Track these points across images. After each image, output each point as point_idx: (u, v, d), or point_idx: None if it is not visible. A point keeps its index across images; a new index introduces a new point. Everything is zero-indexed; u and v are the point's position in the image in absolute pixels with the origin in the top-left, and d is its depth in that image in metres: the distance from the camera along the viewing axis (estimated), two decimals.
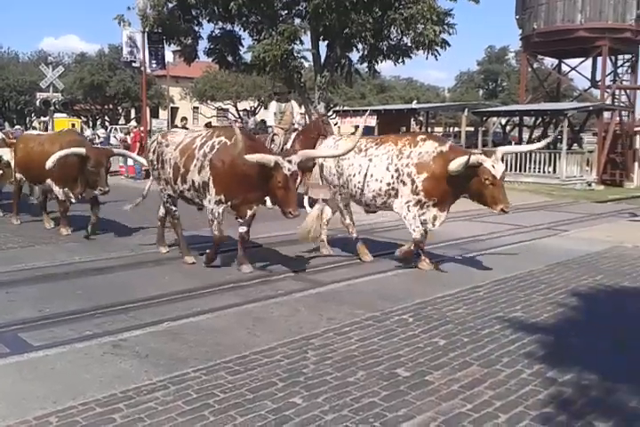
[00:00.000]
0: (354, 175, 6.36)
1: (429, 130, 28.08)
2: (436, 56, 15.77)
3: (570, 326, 4.41)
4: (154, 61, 20.40)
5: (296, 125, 11.02)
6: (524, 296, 5.19)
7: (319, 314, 4.67)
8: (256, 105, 43.93)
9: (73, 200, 7.97)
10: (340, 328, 4.31)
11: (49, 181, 7.98)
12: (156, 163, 6.58)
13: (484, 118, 23.38)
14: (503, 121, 25.28)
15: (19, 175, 8.93)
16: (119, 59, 32.24)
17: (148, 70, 21.77)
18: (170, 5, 16.66)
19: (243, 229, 6.07)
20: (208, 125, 17.54)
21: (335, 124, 27.15)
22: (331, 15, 14.76)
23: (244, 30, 16.68)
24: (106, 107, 46.28)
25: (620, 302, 5.10)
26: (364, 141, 6.44)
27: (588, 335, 4.20)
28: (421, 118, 24.47)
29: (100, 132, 35.74)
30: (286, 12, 16.28)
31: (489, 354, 3.82)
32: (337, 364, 3.64)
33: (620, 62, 27.13)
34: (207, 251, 6.29)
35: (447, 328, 4.32)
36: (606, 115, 23.34)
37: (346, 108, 29.97)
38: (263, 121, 18.67)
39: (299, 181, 5.60)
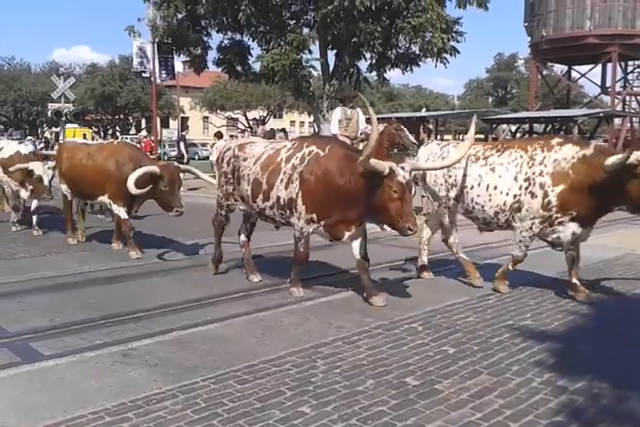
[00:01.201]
0: (471, 187, 5.53)
1: (439, 137, 28.06)
2: (445, 64, 15.83)
3: (580, 333, 4.38)
4: (164, 72, 20.64)
5: (363, 135, 9.77)
6: (534, 304, 5.16)
7: (328, 322, 4.67)
8: (265, 114, 44.20)
9: (126, 216, 7.37)
10: (350, 337, 4.30)
11: (104, 198, 7.40)
12: (230, 177, 5.93)
13: (494, 126, 23.37)
14: (513, 128, 25.24)
15: (64, 187, 8.17)
16: (130, 69, 32.62)
17: (158, 80, 22.01)
18: (179, 16, 16.87)
19: (357, 254, 5.33)
20: (218, 135, 17.65)
21: None
22: (339, 24, 14.87)
23: (253, 40, 16.86)
24: (117, 117, 46.73)
25: (631, 309, 5.05)
26: (481, 148, 5.67)
27: (598, 343, 4.16)
28: (430, 126, 24.49)
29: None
30: (294, 21, 16.42)
31: (499, 362, 3.80)
32: (346, 373, 3.63)
33: (630, 68, 27.07)
34: (291, 278, 5.56)
35: (457, 337, 4.30)
36: (617, 121, 23.26)
37: None
38: (272, 130, 18.80)
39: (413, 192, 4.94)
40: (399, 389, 3.39)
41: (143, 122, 47.99)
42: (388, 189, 4.72)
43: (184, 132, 20.42)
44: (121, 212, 7.25)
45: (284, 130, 19.25)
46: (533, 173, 5.14)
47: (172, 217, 6.98)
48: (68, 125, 26.80)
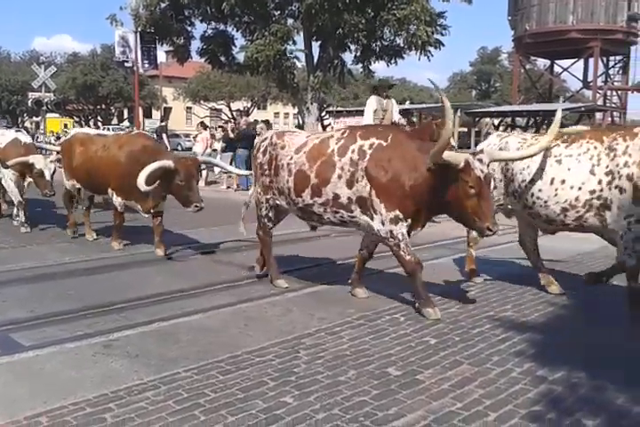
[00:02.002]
0: (530, 182, 4.94)
1: None
2: (428, 57, 15.84)
3: (560, 325, 4.44)
4: (146, 61, 20.41)
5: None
6: (514, 296, 5.22)
7: (311, 314, 4.68)
8: (249, 105, 43.95)
9: (145, 215, 6.94)
10: (332, 328, 4.32)
11: (109, 190, 7.03)
12: (266, 168, 5.42)
13: (477, 119, 23.49)
14: (496, 122, 25.39)
15: (70, 182, 7.70)
16: (112, 59, 32.22)
17: (141, 70, 21.78)
18: (162, 5, 16.68)
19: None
20: (203, 124, 17.51)
21: (328, 125, 27.23)
22: (323, 15, 14.81)
23: (237, 30, 16.72)
24: (98, 107, 46.14)
25: (609, 301, 5.12)
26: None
27: (577, 334, 4.22)
28: (415, 119, 24.52)
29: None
30: (279, 12, 16.31)
31: (479, 353, 3.84)
32: (328, 363, 3.65)
33: (611, 63, 27.34)
34: (418, 296, 4.76)
35: (438, 327, 4.34)
36: (598, 115, 23.50)
37: (339, 108, 30.02)
38: (256, 121, 18.70)
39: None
40: (381, 379, 3.42)
41: (125, 112, 47.47)
42: (464, 185, 4.25)
43: (163, 123, 20.22)
44: (118, 203, 6.96)
45: (267, 121, 19.14)
46: (617, 165, 4.50)
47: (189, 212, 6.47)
48: (49, 115, 26.45)
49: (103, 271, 6.11)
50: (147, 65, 20.89)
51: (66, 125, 27.69)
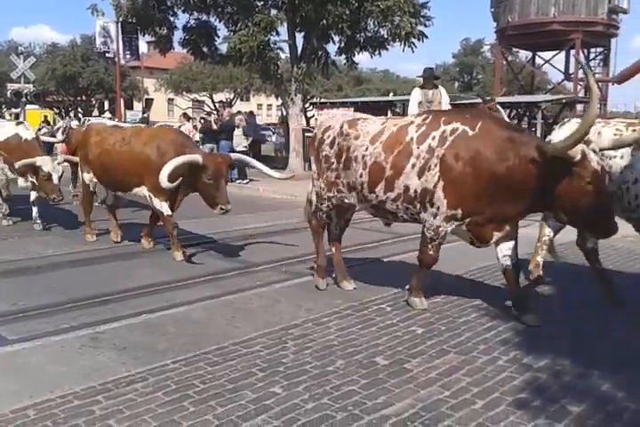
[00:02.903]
0: (634, 181, 4.30)
1: None
2: (412, 48, 15.82)
3: (544, 314, 4.49)
4: (128, 52, 20.18)
5: None
6: (500, 285, 5.27)
7: (298, 305, 4.69)
8: (232, 97, 43.63)
9: (170, 212, 6.26)
10: (320, 318, 4.33)
11: (142, 190, 6.28)
12: (334, 161, 4.83)
13: None
14: None
15: (88, 176, 6.99)
16: (92, 49, 31.77)
17: (122, 61, 21.54)
18: None
19: (507, 260, 4.36)
20: (185, 116, 17.37)
21: (312, 117, 27.17)
22: (307, 6, 14.70)
23: (220, 21, 16.52)
24: (79, 98, 45.49)
25: (588, 290, 5.19)
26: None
27: (560, 323, 4.28)
28: (398, 110, 24.54)
29: (74, 124, 35.22)
30: (262, 2, 16.15)
31: (466, 342, 3.88)
32: (316, 353, 3.66)
33: (592, 55, 27.56)
34: (411, 285, 4.68)
35: (425, 317, 4.37)
36: (579, 107, 23.69)
37: (323, 100, 29.93)
38: (239, 112, 18.58)
39: None
40: (369, 368, 3.44)
41: (106, 103, 46.89)
42: (579, 180, 3.73)
43: (145, 115, 20.05)
44: (163, 207, 6.15)
45: (251, 113, 19.05)
46: None
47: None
48: (28, 106, 26.05)
49: (88, 264, 6.06)
50: (128, 56, 20.65)
51: (46, 117, 27.24)
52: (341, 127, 4.84)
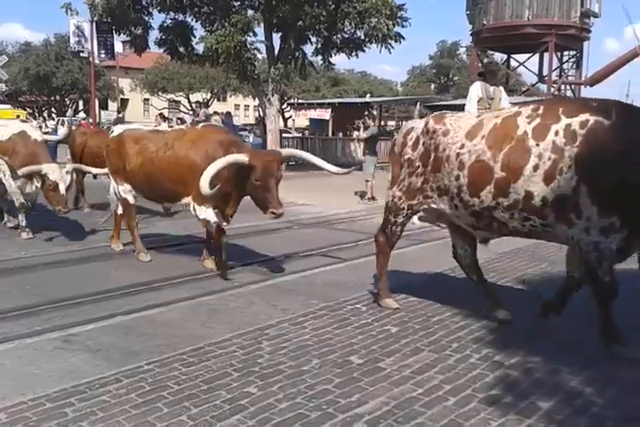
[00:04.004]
0: None
1: (382, 123, 28.35)
2: (389, 50, 15.94)
3: (516, 312, 4.56)
4: (102, 52, 19.97)
5: None
6: (473, 284, 5.33)
7: (274, 305, 4.70)
8: (209, 97, 43.42)
9: (224, 224, 5.69)
10: (295, 318, 4.35)
11: (188, 200, 5.69)
12: (419, 164, 4.26)
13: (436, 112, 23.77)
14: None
15: (124, 188, 6.22)
16: (66, 49, 31.36)
17: (97, 61, 21.31)
18: None
19: None
20: (162, 116, 17.24)
21: (289, 118, 27.17)
22: (284, 7, 14.74)
23: (197, 21, 16.48)
24: (52, 98, 44.89)
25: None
26: None
27: (533, 321, 4.35)
28: (375, 112, 24.69)
29: (50, 123, 34.69)
30: (239, 3, 16.15)
31: (439, 340, 3.93)
32: (291, 353, 3.68)
33: (565, 58, 27.99)
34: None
35: (399, 316, 4.42)
36: None
37: (300, 100, 29.97)
38: (216, 113, 18.50)
39: None
40: (344, 367, 3.47)
41: (81, 103, 46.33)
42: None
43: (120, 115, 19.85)
44: (209, 215, 5.53)
45: (229, 113, 18.97)
46: None
47: None
48: (1, 106, 25.61)
49: (61, 266, 5.99)
50: (103, 55, 20.45)
51: (18, 117, 26.82)
52: (426, 124, 4.27)
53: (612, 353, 3.60)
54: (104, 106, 43.09)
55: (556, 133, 3.58)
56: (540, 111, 3.75)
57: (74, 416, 2.87)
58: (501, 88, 8.39)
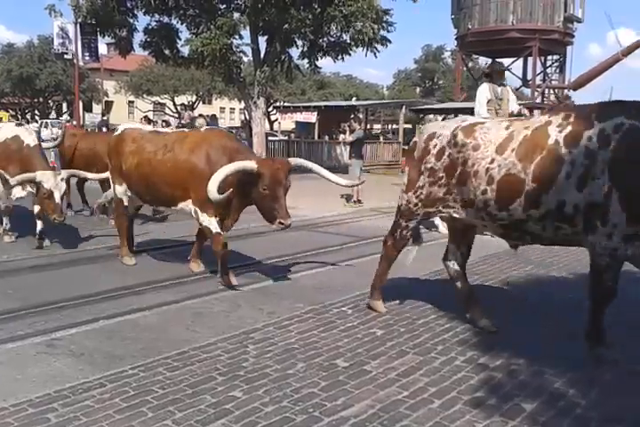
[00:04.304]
0: None
1: (368, 127, 28.44)
2: (375, 53, 16.00)
3: (500, 314, 4.60)
4: (87, 53, 19.84)
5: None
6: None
7: (259, 309, 4.69)
8: (194, 100, 43.29)
9: (217, 231, 5.42)
10: (281, 322, 4.34)
11: (189, 205, 5.48)
12: (442, 175, 4.11)
13: (422, 116, 23.91)
14: (440, 118, 25.88)
15: (121, 189, 6.04)
16: (50, 50, 31.09)
17: (81, 63, 21.16)
18: None
19: None
20: (147, 118, 17.16)
21: (276, 120, 27.17)
22: (270, 10, 14.75)
23: (182, 23, 16.42)
24: (36, 100, 44.49)
25: (548, 291, 5.34)
26: None
27: (517, 323, 4.38)
28: (361, 115, 24.76)
29: (33, 126, 34.36)
30: (225, 5, 16.12)
31: (424, 343, 3.95)
32: (277, 357, 3.67)
33: (549, 63, 28.31)
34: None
35: (385, 319, 4.43)
36: (536, 113, 24.27)
37: (286, 104, 29.98)
38: (201, 115, 18.44)
39: None
40: (329, 370, 3.47)
41: (65, 106, 45.96)
42: None
43: (105, 117, 19.70)
44: (212, 224, 5.35)
45: (214, 116, 18.92)
46: None
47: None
48: None
49: (44, 270, 5.93)
50: (87, 57, 20.30)
51: (0, 119, 26.54)
52: (455, 136, 4.08)
53: (596, 355, 3.64)
54: (88, 108, 42.79)
55: (589, 139, 3.49)
56: (572, 119, 3.66)
57: (57, 422, 2.84)
58: (509, 88, 8.21)
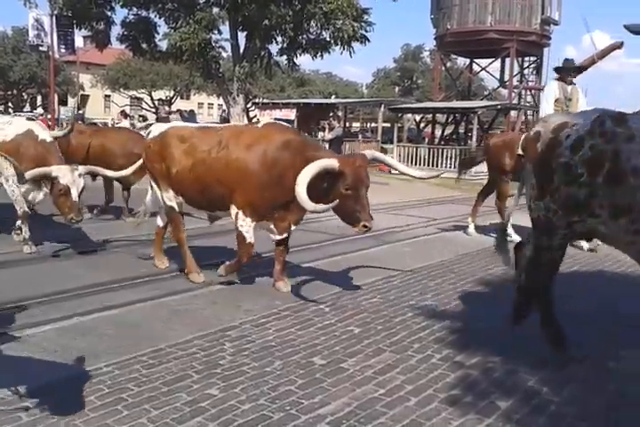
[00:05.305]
0: None
1: (347, 125, 28.48)
2: (350, 52, 16.00)
3: (477, 313, 4.65)
4: (62, 46, 19.46)
5: None
6: (434, 285, 5.41)
7: (237, 306, 4.66)
8: (172, 95, 42.90)
9: (277, 237, 5.08)
10: (258, 319, 4.33)
11: (233, 209, 5.03)
12: (581, 171, 3.28)
13: (400, 115, 24.02)
14: (418, 118, 26.07)
15: (169, 195, 5.44)
16: (24, 42, 30.51)
17: (57, 55, 20.76)
18: None
19: None
20: (124, 113, 16.96)
21: (254, 117, 27.07)
22: (250, 6, 14.66)
23: (160, 17, 16.23)
24: (9, 93, 43.66)
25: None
26: None
27: (493, 321, 4.42)
28: (340, 113, 24.79)
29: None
30: (204, 0, 15.98)
31: (401, 341, 3.97)
32: (254, 354, 3.66)
33: (526, 64, 28.65)
34: None
35: (362, 317, 4.44)
36: (513, 113, 24.59)
37: (265, 100, 29.87)
38: (179, 110, 18.28)
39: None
40: (306, 368, 3.46)
41: (39, 99, 45.16)
42: None
43: (81, 111, 19.42)
44: (249, 231, 4.97)
45: (192, 111, 18.78)
46: None
47: None
48: None
49: (15, 266, 5.80)
50: (63, 50, 19.91)
51: None
52: (600, 124, 3.31)
53: (567, 354, 3.68)
54: (63, 102, 42.10)
55: None
56: None
57: (28, 420, 2.79)
58: (578, 87, 7.71)
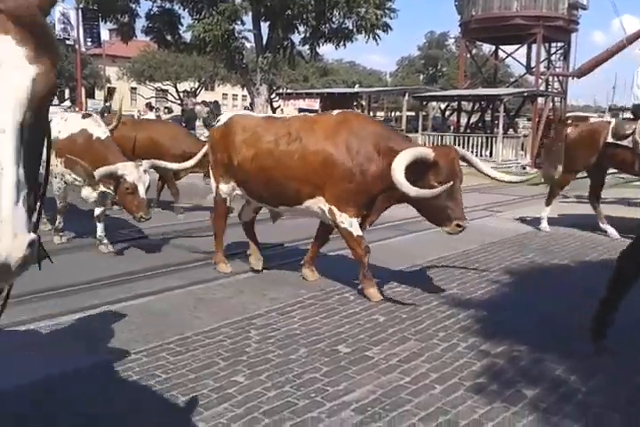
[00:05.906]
0: None
1: (371, 114, 28.33)
2: (376, 40, 15.86)
3: (502, 301, 4.61)
4: (89, 39, 19.70)
5: None
6: (459, 274, 5.38)
7: (262, 294, 4.70)
8: (197, 86, 43.10)
9: (359, 233, 4.70)
10: (283, 308, 4.36)
11: (318, 203, 4.73)
12: None
13: (425, 103, 23.77)
14: (442, 106, 25.76)
15: (227, 187, 5.28)
16: None
17: (83, 49, 21.02)
18: None
19: None
20: (149, 105, 17.12)
21: (278, 107, 27.09)
22: None
23: (184, 9, 16.27)
24: None
25: (549, 278, 5.35)
26: None
27: (518, 310, 4.40)
28: (364, 102, 24.65)
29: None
30: None
31: (426, 329, 3.96)
32: (279, 342, 3.69)
33: (553, 50, 28.07)
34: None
35: (387, 305, 4.44)
36: (540, 100, 24.13)
37: (289, 90, 29.84)
38: (204, 102, 18.34)
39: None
40: (331, 356, 3.48)
41: (67, 92, 45.81)
42: None
43: (108, 103, 19.63)
44: (353, 225, 4.62)
45: (216, 102, 18.85)
46: None
47: None
48: None
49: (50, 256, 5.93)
50: (89, 43, 20.17)
51: None
52: None
53: (598, 345, 3.63)
54: (91, 95, 42.62)
55: None
56: None
57: (58, 404, 2.86)
58: None
